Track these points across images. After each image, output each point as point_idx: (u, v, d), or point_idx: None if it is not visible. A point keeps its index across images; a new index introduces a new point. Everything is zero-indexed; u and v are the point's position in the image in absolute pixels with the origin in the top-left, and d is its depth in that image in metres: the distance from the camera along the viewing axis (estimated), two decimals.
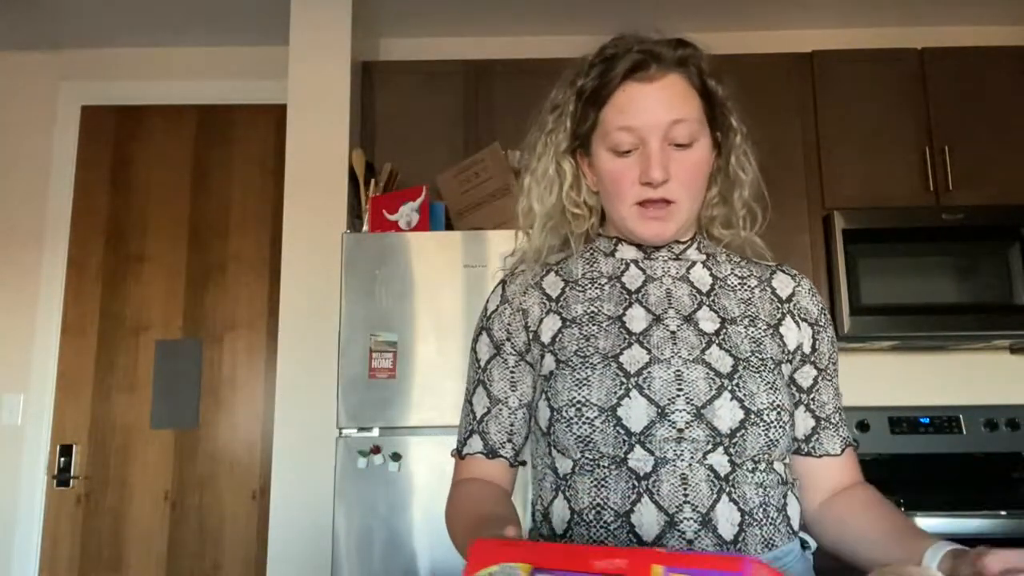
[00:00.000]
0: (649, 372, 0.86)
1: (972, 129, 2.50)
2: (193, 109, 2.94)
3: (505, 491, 0.97)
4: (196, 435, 2.75)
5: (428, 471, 2.01)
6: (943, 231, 2.37)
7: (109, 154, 2.92)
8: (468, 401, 1.00)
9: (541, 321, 0.95)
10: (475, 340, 1.01)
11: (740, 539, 0.83)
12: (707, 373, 0.86)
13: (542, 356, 0.93)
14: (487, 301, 1.02)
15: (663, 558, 0.57)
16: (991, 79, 2.54)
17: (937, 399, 2.62)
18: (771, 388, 0.87)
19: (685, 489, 0.83)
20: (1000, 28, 2.84)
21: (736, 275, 0.98)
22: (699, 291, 0.95)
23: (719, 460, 0.84)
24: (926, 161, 2.48)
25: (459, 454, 1.00)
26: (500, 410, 0.96)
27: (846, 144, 2.51)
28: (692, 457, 0.83)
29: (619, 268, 0.98)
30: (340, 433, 2.04)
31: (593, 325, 0.92)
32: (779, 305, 0.96)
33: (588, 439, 0.85)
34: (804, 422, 0.96)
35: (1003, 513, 1.95)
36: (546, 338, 0.94)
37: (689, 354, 0.88)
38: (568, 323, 0.93)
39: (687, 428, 0.83)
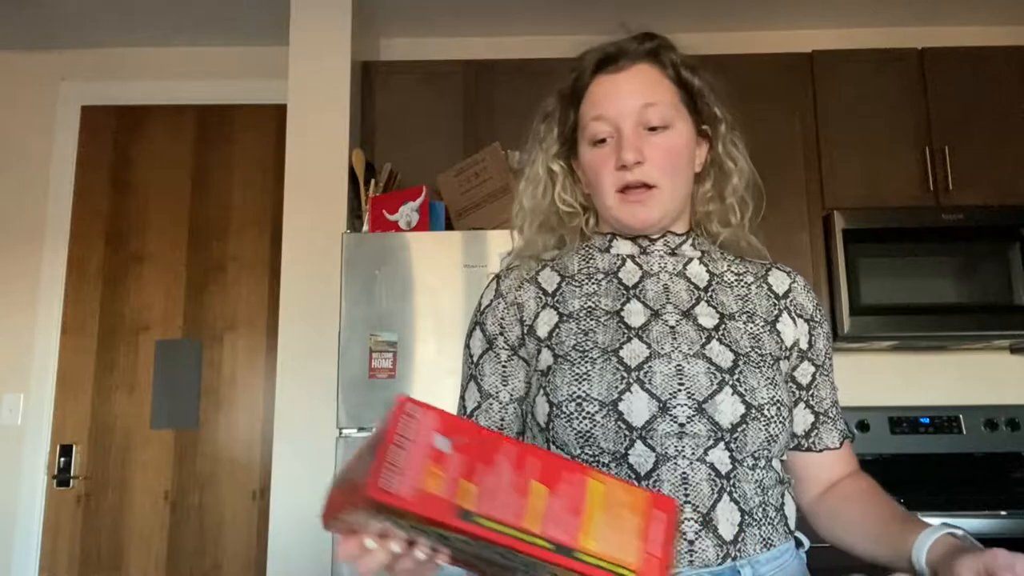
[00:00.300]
0: (650, 366, 0.86)
1: (972, 129, 2.50)
2: (193, 109, 2.94)
3: None
4: (196, 435, 2.74)
5: None
6: (943, 231, 2.37)
7: (109, 154, 2.92)
8: (461, 397, 1.00)
9: (537, 315, 0.95)
10: (468, 336, 1.01)
11: (740, 539, 0.83)
12: (708, 368, 0.86)
13: (538, 351, 0.93)
14: (481, 297, 1.02)
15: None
16: (991, 79, 2.53)
17: (937, 399, 2.62)
18: (771, 383, 0.88)
19: (686, 489, 0.82)
20: (1000, 28, 2.84)
21: (733, 271, 0.98)
22: (696, 287, 0.95)
23: (720, 456, 0.84)
24: (926, 161, 2.48)
25: None
26: (491, 404, 0.95)
27: (846, 144, 2.51)
28: (693, 454, 0.83)
29: (615, 263, 0.98)
30: (340, 433, 2.04)
31: (591, 320, 0.92)
32: (775, 301, 0.97)
33: (588, 434, 0.85)
34: (803, 418, 0.97)
35: (1003, 513, 1.96)
36: (542, 333, 0.93)
37: (689, 349, 0.88)
38: (565, 318, 0.93)
39: (688, 423, 0.83)
